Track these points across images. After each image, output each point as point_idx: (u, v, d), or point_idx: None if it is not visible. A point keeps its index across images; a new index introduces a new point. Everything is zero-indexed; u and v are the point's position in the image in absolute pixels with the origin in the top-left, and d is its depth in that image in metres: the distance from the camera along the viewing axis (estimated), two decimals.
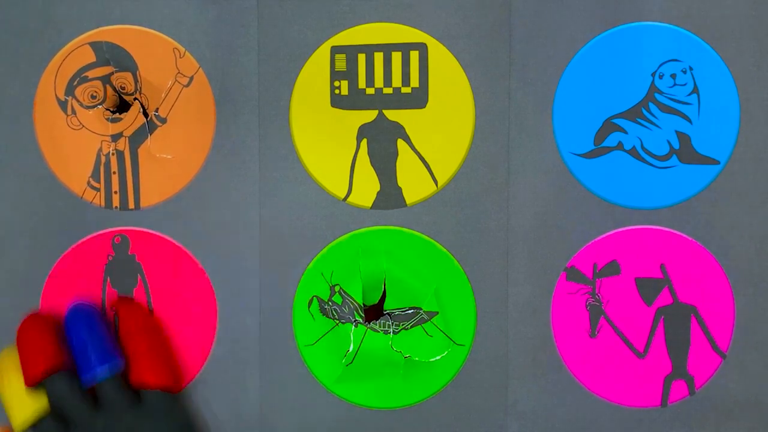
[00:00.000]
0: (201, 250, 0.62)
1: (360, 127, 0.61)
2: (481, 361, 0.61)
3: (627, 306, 0.60)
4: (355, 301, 0.61)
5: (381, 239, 0.61)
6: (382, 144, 0.61)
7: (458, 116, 0.61)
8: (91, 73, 0.62)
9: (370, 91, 0.61)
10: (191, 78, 0.62)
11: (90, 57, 0.62)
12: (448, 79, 0.61)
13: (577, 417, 0.61)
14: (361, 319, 0.61)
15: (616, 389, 0.61)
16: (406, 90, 0.61)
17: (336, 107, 0.61)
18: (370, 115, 0.61)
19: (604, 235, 0.60)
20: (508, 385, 0.61)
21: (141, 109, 0.62)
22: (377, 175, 0.61)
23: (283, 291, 0.62)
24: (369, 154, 0.61)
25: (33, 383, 0.57)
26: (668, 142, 0.60)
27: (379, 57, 0.61)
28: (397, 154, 0.61)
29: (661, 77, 0.60)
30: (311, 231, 0.62)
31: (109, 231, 0.63)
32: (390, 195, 0.61)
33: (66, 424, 0.58)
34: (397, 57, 0.61)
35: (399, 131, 0.61)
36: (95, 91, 0.62)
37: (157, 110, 0.62)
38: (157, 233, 0.62)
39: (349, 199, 0.61)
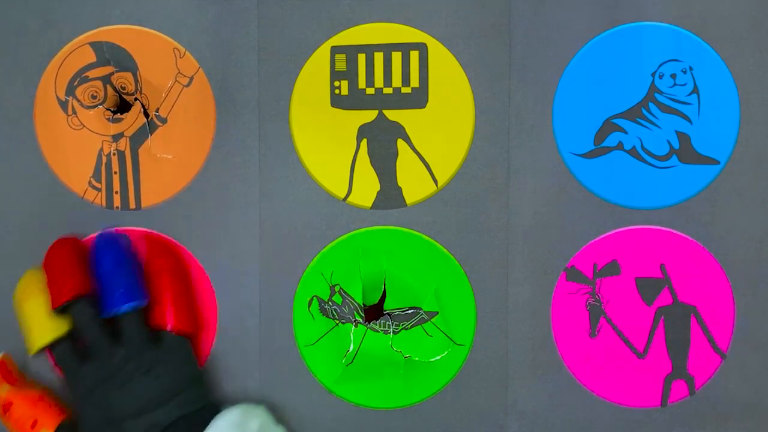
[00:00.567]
0: (201, 250, 0.62)
1: (360, 127, 0.61)
2: (481, 361, 0.61)
3: (627, 306, 0.60)
4: (355, 301, 0.61)
5: (381, 239, 0.61)
6: (382, 144, 0.61)
7: (458, 116, 0.61)
8: (91, 73, 0.62)
9: (370, 91, 0.61)
10: (191, 78, 0.62)
11: (90, 57, 0.62)
12: (448, 79, 0.61)
13: (577, 417, 0.61)
14: (361, 319, 0.61)
15: (616, 389, 0.61)
16: (406, 90, 0.61)
17: (336, 107, 0.61)
18: (370, 115, 0.61)
19: (604, 235, 0.60)
20: (508, 385, 0.61)
21: (142, 109, 0.62)
22: (377, 175, 0.61)
23: (283, 291, 0.62)
24: (369, 154, 0.61)
25: (59, 305, 0.57)
26: (668, 142, 0.60)
27: (379, 57, 0.61)
28: (397, 154, 0.61)
29: (661, 77, 0.60)
30: (311, 231, 0.62)
31: None
32: (390, 195, 0.61)
33: (82, 353, 0.58)
34: (397, 57, 0.61)
35: (399, 131, 0.61)
36: (96, 91, 0.62)
37: (157, 110, 0.62)
38: (158, 233, 0.62)
39: (349, 199, 0.61)
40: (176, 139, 0.62)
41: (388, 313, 0.61)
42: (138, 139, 0.62)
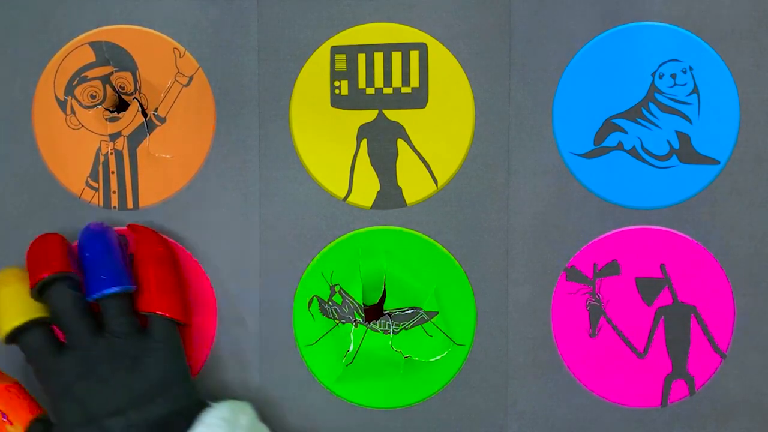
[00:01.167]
0: (201, 250, 0.62)
1: (360, 127, 0.61)
2: (481, 361, 0.61)
3: (627, 306, 0.61)
4: (355, 301, 0.61)
5: (381, 239, 0.61)
6: (382, 144, 0.61)
7: (458, 116, 0.61)
8: (90, 73, 0.62)
9: (370, 91, 0.61)
10: (191, 78, 0.62)
11: (90, 57, 0.62)
12: (448, 79, 0.61)
13: (577, 417, 0.61)
14: (361, 319, 0.61)
15: (616, 389, 0.61)
16: (406, 90, 0.61)
17: (336, 107, 0.61)
18: (370, 115, 0.61)
19: (604, 235, 0.61)
20: (508, 385, 0.61)
21: (139, 109, 0.62)
22: (377, 175, 0.61)
23: (283, 291, 0.62)
24: (369, 154, 0.61)
25: (36, 282, 0.54)
26: (668, 142, 0.60)
27: (379, 57, 0.61)
28: (397, 154, 0.61)
29: (661, 77, 0.60)
30: (311, 231, 0.62)
31: None
32: (390, 195, 0.61)
33: (58, 345, 0.55)
34: (397, 57, 0.61)
35: (399, 131, 0.61)
36: (95, 91, 0.62)
37: (156, 110, 0.62)
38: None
39: (349, 199, 0.61)
40: (175, 139, 0.62)
41: (388, 313, 0.61)
42: (136, 138, 0.62)
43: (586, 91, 0.60)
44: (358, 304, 0.61)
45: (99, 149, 0.62)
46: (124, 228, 0.62)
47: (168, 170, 0.62)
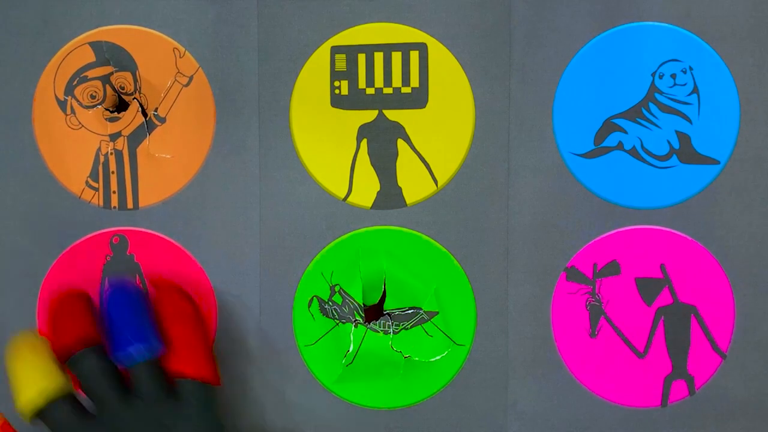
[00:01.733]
0: (200, 250, 0.62)
1: (360, 127, 0.61)
2: (481, 361, 0.61)
3: (627, 306, 0.61)
4: (355, 301, 0.61)
5: (381, 239, 0.61)
6: (382, 144, 0.61)
7: (458, 116, 0.61)
8: (90, 73, 0.62)
9: (370, 91, 0.61)
10: (191, 78, 0.62)
11: (90, 57, 0.62)
12: (448, 79, 0.61)
13: (577, 417, 0.61)
14: (361, 319, 0.61)
15: (616, 389, 0.61)
16: (406, 90, 0.61)
17: (336, 107, 0.61)
18: (370, 115, 0.61)
19: (604, 235, 0.61)
20: (508, 385, 0.61)
21: (139, 109, 0.62)
22: (377, 175, 0.61)
23: (283, 291, 0.62)
24: (369, 154, 0.61)
25: (62, 354, 0.53)
26: (668, 142, 0.60)
27: (379, 57, 0.61)
28: (397, 154, 0.61)
29: (661, 77, 0.60)
30: (311, 231, 0.61)
31: (108, 231, 0.63)
32: (390, 195, 0.61)
33: (85, 413, 0.53)
34: (397, 57, 0.61)
35: (399, 131, 0.61)
36: (95, 91, 0.62)
37: (156, 110, 0.62)
38: (156, 233, 0.62)
39: (349, 199, 0.61)
40: (175, 139, 0.62)
41: (388, 313, 0.61)
42: (136, 138, 0.62)
43: (586, 91, 0.60)
44: (358, 304, 0.61)
45: (99, 149, 0.62)
46: (150, 275, 0.61)
47: (168, 170, 0.62)
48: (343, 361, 0.61)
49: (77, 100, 0.62)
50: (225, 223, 0.62)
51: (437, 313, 0.61)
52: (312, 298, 0.62)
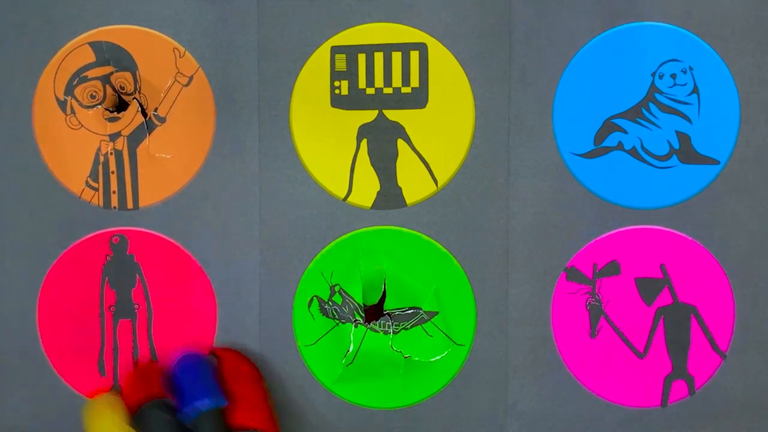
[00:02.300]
0: (201, 250, 0.62)
1: (360, 127, 0.61)
2: (481, 361, 0.61)
3: (627, 306, 0.61)
4: (355, 301, 0.61)
5: (381, 239, 0.61)
6: (382, 144, 0.61)
7: (458, 116, 0.61)
8: (90, 73, 0.62)
9: (370, 91, 0.61)
10: (191, 78, 0.62)
11: (90, 57, 0.62)
12: (448, 79, 0.61)
13: (577, 417, 0.61)
14: (361, 319, 0.61)
15: (616, 389, 0.61)
16: (406, 90, 0.61)
17: (336, 107, 0.61)
18: (370, 115, 0.61)
19: (604, 235, 0.61)
20: (508, 385, 0.61)
21: (139, 109, 0.62)
22: (377, 175, 0.61)
23: (283, 291, 0.62)
24: (369, 154, 0.61)
25: (137, 409, 0.55)
26: (668, 142, 0.60)
27: (379, 57, 0.61)
28: (397, 154, 0.61)
29: (661, 77, 0.60)
30: (311, 231, 0.62)
31: (108, 231, 0.63)
32: (390, 195, 0.61)
33: None
34: (397, 57, 0.61)
35: (399, 131, 0.61)
36: (95, 91, 0.62)
37: (156, 110, 0.62)
38: (156, 233, 0.62)
39: (349, 199, 0.61)
40: (175, 139, 0.62)
41: (388, 313, 0.61)
42: (136, 138, 0.62)
43: (586, 91, 0.60)
44: (358, 304, 0.61)
45: (99, 149, 0.62)
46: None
47: (168, 170, 0.62)
48: (343, 361, 0.61)
49: (77, 100, 0.62)
50: (225, 223, 0.62)
51: (437, 313, 0.61)
52: (312, 298, 0.62)
